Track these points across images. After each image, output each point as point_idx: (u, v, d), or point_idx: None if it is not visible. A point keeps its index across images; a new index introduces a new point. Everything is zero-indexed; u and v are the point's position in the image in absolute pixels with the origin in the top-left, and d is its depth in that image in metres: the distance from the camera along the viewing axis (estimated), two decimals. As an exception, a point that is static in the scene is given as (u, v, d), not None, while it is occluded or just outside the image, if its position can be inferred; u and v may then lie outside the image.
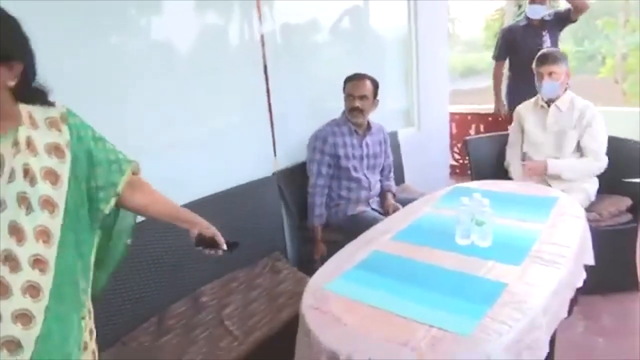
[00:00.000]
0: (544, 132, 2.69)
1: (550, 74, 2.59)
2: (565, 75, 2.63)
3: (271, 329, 1.90)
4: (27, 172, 1.00)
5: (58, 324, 1.02)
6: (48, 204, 1.02)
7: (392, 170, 2.83)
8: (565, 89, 2.67)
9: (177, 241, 1.96)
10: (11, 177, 0.98)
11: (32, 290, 0.99)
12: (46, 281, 1.01)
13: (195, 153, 2.27)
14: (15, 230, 0.97)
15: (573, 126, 2.60)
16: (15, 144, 0.99)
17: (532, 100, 2.83)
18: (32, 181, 1.00)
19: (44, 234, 1.01)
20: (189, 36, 2.24)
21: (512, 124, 2.91)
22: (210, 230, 1.28)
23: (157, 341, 1.84)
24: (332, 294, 1.45)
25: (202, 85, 2.28)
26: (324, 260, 1.76)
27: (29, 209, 0.99)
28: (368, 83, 2.53)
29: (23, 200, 0.99)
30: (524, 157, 2.80)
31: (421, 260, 1.63)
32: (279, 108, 2.66)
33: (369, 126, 2.64)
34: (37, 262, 1.00)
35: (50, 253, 1.02)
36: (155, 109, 2.11)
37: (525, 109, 2.83)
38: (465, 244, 1.72)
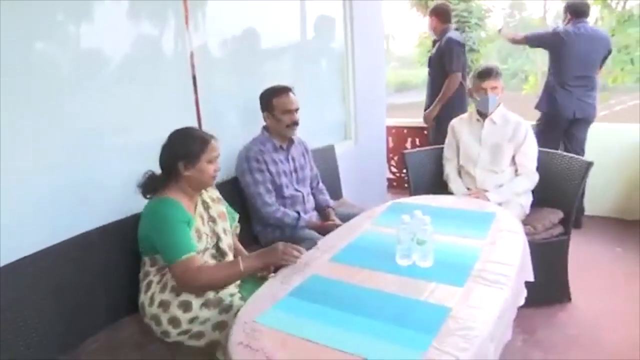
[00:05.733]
0: (480, 146, 2.70)
1: (493, 88, 2.61)
2: (502, 90, 2.66)
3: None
4: None
5: None
6: None
7: (320, 181, 2.72)
8: (499, 104, 2.70)
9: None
10: None
11: None
12: None
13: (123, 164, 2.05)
14: None
15: (508, 139, 2.63)
16: None
17: (466, 114, 2.83)
18: None
19: None
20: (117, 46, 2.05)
21: (447, 139, 2.89)
22: None
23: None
24: (264, 328, 1.30)
25: (129, 96, 2.09)
26: None
27: None
28: (293, 95, 2.42)
29: None
30: (461, 170, 2.80)
31: (361, 285, 1.52)
32: (208, 122, 2.47)
33: (290, 139, 2.52)
34: None
35: None
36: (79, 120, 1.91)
37: (460, 123, 2.83)
38: (406, 264, 1.63)
